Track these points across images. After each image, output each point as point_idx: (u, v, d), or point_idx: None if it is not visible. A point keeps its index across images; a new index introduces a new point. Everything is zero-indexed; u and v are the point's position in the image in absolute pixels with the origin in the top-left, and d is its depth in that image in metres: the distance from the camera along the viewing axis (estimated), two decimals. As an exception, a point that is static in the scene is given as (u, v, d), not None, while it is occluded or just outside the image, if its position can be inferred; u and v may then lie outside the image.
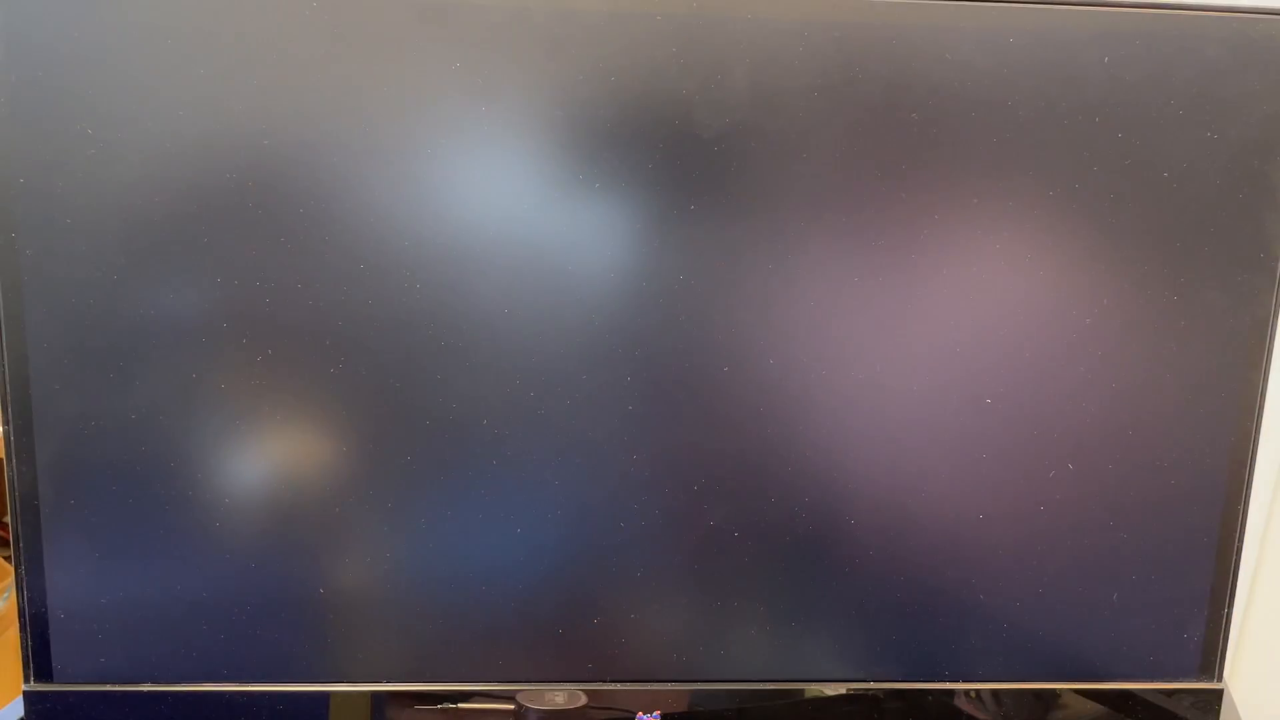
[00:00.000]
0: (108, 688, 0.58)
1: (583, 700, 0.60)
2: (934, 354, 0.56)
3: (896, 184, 0.53)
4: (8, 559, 0.84)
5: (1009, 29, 0.52)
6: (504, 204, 0.53)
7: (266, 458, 0.56)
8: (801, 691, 0.61)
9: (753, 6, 0.51)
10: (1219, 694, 0.62)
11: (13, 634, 0.79)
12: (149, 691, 0.58)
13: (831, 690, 0.61)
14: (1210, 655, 0.61)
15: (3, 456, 0.55)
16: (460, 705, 0.60)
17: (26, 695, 0.58)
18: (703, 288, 0.54)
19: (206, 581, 0.57)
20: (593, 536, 0.58)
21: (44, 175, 0.51)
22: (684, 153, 0.52)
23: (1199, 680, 0.62)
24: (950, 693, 0.61)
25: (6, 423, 0.54)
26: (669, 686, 0.61)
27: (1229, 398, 0.57)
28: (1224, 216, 0.54)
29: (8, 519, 0.56)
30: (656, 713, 0.61)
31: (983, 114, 0.52)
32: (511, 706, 0.61)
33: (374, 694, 0.60)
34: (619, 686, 0.60)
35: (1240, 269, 0.55)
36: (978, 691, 0.62)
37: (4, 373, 0.53)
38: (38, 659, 0.58)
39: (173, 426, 0.55)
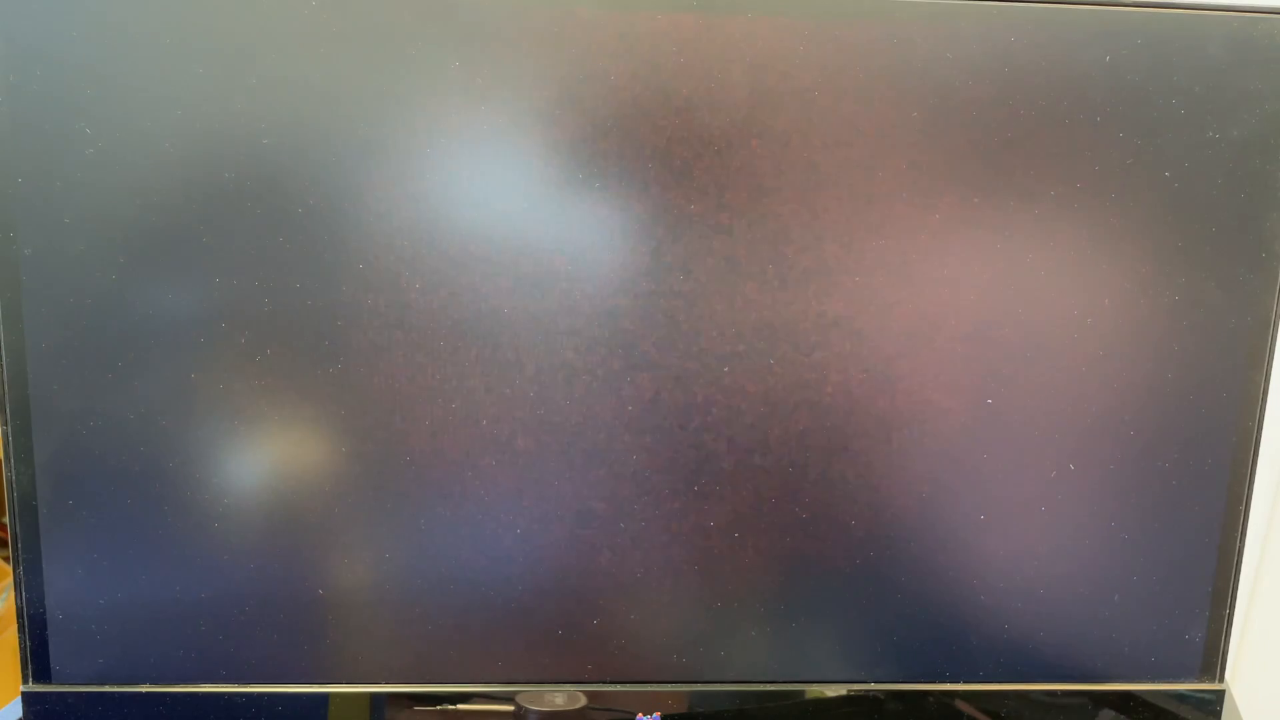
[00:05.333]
0: (106, 688, 0.58)
1: (582, 701, 0.60)
2: (934, 354, 0.56)
3: (896, 183, 0.53)
4: (6, 559, 0.84)
5: (1010, 28, 0.51)
6: (504, 204, 0.53)
7: (265, 458, 0.56)
8: (802, 693, 0.61)
9: (753, 6, 0.51)
10: (1221, 695, 0.62)
11: (11, 635, 0.79)
12: (148, 692, 0.58)
13: (832, 691, 0.61)
14: (1212, 656, 0.61)
15: (1, 456, 0.55)
16: (459, 706, 0.60)
17: (25, 696, 0.58)
18: (702, 288, 0.54)
19: (205, 582, 0.57)
20: (592, 537, 0.58)
21: (43, 174, 0.51)
22: (684, 153, 0.52)
23: (1201, 681, 0.62)
24: (951, 694, 0.61)
25: (5, 423, 0.54)
26: (669, 688, 0.61)
27: (1230, 397, 0.57)
28: (1225, 216, 0.54)
29: (6, 519, 0.56)
30: (656, 714, 0.61)
31: (984, 113, 0.52)
32: (511, 708, 0.60)
33: (373, 695, 0.60)
34: (619, 688, 0.60)
35: (1242, 268, 0.55)
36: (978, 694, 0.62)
37: (2, 372, 0.53)
38: (36, 660, 0.58)
39: (171, 426, 0.55)
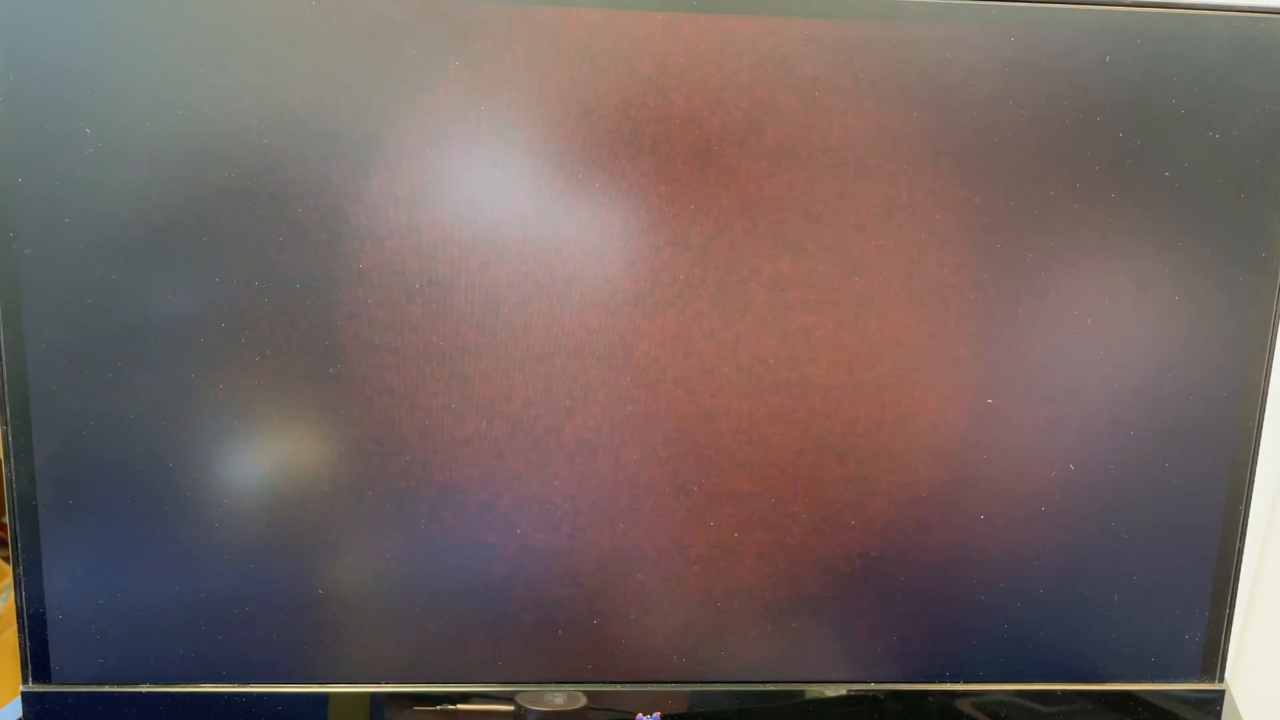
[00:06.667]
0: (106, 688, 0.58)
1: (582, 701, 0.60)
2: (934, 355, 0.56)
3: (896, 183, 0.53)
4: (6, 559, 0.84)
5: (1010, 28, 0.51)
6: (503, 203, 0.53)
7: (265, 458, 0.56)
8: (802, 693, 0.61)
9: (753, 6, 0.51)
10: (1220, 695, 0.62)
11: (11, 634, 0.79)
12: (147, 692, 0.58)
13: (832, 691, 0.61)
14: (1212, 656, 0.61)
15: (1, 456, 0.55)
16: (459, 706, 0.60)
17: (25, 696, 0.58)
18: (703, 288, 0.54)
19: (205, 582, 0.57)
20: (592, 537, 0.58)
21: (42, 174, 0.51)
22: (684, 152, 0.52)
23: (1200, 681, 0.62)
24: (951, 694, 0.61)
25: (5, 423, 0.54)
26: (669, 688, 0.61)
27: (1230, 398, 0.57)
28: (1225, 216, 0.54)
29: (6, 519, 0.56)
30: (656, 714, 0.61)
31: (983, 113, 0.52)
32: (511, 708, 0.60)
33: (373, 695, 0.60)
34: (619, 688, 0.60)
35: (1242, 269, 0.55)
36: (979, 694, 0.62)
37: (2, 372, 0.53)
38: (36, 660, 0.58)
39: (171, 426, 0.55)
